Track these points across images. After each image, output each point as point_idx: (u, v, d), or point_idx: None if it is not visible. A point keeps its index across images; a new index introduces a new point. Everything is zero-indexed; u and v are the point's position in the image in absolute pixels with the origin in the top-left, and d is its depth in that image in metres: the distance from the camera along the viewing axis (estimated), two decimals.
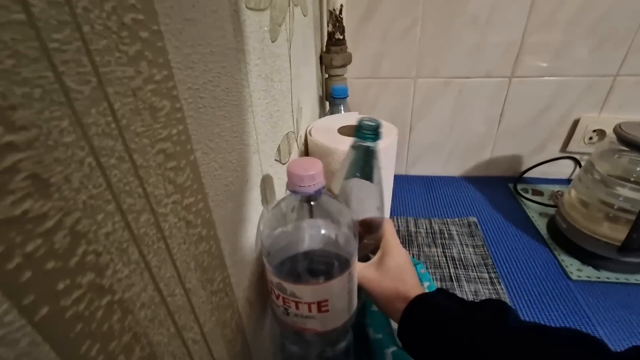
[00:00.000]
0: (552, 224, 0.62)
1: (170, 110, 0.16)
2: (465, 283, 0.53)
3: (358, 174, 0.33)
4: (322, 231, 0.29)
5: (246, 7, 0.25)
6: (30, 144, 0.10)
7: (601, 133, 0.67)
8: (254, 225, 0.29)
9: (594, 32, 0.59)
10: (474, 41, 0.64)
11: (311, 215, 0.28)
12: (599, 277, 0.53)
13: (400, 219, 0.67)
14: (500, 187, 0.74)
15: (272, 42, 0.32)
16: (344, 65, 0.59)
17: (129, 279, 0.14)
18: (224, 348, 0.24)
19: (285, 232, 0.28)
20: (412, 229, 0.65)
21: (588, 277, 0.53)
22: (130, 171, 0.14)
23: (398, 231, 0.64)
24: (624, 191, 0.50)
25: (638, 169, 0.49)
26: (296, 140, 0.44)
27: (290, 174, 0.26)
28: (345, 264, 0.29)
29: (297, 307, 0.29)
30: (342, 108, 0.58)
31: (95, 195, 0.12)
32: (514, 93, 0.68)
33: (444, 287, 0.53)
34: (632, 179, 0.49)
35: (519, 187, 0.73)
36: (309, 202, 0.28)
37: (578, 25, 0.59)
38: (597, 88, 0.64)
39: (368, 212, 0.36)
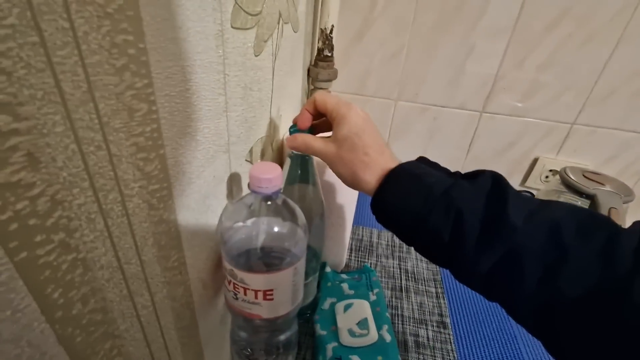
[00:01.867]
0: None
1: (146, 112, 0.20)
2: (413, 294, 0.58)
3: (299, 181, 0.38)
4: (275, 228, 0.33)
5: (232, 26, 0.29)
6: (29, 130, 0.13)
7: (556, 173, 0.74)
8: (216, 216, 0.33)
9: (559, 81, 0.66)
10: (452, 74, 0.69)
11: (267, 214, 0.32)
12: None
13: (365, 229, 0.72)
14: None
15: (256, 56, 0.36)
16: (329, 80, 0.63)
17: (93, 243, 0.18)
18: (172, 319, 0.27)
19: (243, 226, 0.32)
20: (375, 240, 0.70)
21: None
22: (105, 158, 0.17)
23: (360, 240, 0.69)
24: None
25: None
26: (271, 144, 0.47)
27: (251, 176, 0.29)
28: (292, 260, 0.33)
29: (245, 293, 0.32)
30: None
31: (74, 173, 0.16)
32: (483, 127, 0.73)
33: (394, 297, 0.57)
34: None
35: None
36: (267, 202, 0.31)
37: (546, 72, 0.65)
38: (556, 132, 0.71)
39: (314, 213, 0.41)
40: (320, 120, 0.37)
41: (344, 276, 0.57)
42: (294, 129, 0.36)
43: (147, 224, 0.22)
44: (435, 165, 0.31)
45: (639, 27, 0.58)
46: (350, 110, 0.31)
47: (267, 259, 0.32)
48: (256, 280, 0.32)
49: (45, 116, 0.14)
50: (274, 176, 0.29)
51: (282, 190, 0.32)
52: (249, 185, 0.30)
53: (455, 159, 0.78)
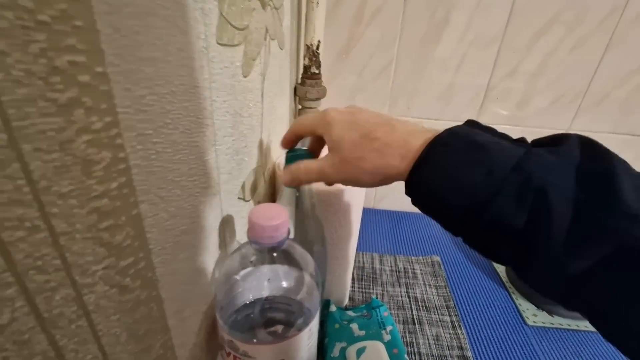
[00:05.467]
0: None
1: (110, 162, 0.14)
2: (427, 326, 0.52)
3: (296, 210, 0.33)
4: (283, 284, 0.27)
5: (218, 43, 0.24)
6: None
7: None
8: (209, 272, 0.26)
9: (552, 88, 0.64)
10: (444, 85, 0.66)
11: (272, 267, 0.26)
12: (552, 323, 0.54)
13: (366, 254, 0.66)
14: None
15: (244, 77, 0.30)
16: (318, 99, 0.58)
17: None
18: None
19: (242, 286, 0.25)
20: (377, 266, 0.64)
21: (543, 322, 0.54)
22: (45, 242, 0.11)
23: (362, 267, 0.63)
24: None
25: None
26: (263, 175, 0.42)
27: (251, 224, 0.24)
28: (306, 320, 0.27)
29: None
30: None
31: None
32: None
33: (407, 330, 0.52)
34: None
35: None
36: (272, 253, 0.25)
37: (538, 79, 0.64)
38: None
39: (314, 245, 0.35)
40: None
41: (351, 314, 0.51)
42: (292, 154, 0.31)
43: (119, 315, 0.16)
44: (493, 130, 0.23)
45: (627, 30, 0.58)
46: (327, 112, 0.26)
47: (275, 324, 0.26)
48: (264, 352, 0.25)
49: None
50: (281, 222, 0.24)
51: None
52: (248, 234, 0.24)
53: None
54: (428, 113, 0.69)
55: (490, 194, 0.20)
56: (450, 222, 0.23)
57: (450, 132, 0.22)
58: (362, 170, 0.24)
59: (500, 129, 0.73)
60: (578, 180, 0.19)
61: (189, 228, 0.22)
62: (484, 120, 0.69)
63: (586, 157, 0.19)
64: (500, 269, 0.64)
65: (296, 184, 0.28)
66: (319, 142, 0.31)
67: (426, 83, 0.67)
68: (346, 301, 0.55)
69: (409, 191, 0.24)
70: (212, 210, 0.26)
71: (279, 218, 0.24)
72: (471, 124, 0.24)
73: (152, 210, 0.17)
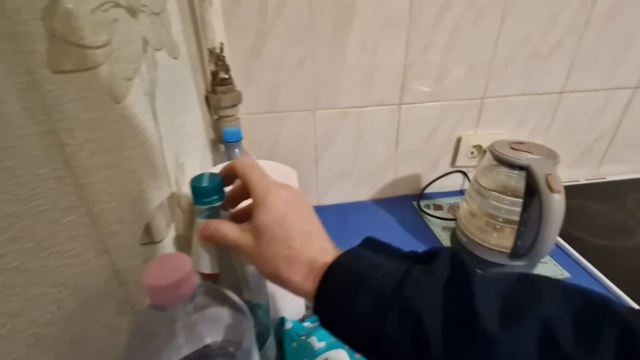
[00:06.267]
0: (454, 238, 0.66)
1: None
2: None
3: None
4: (208, 340, 0.23)
5: (55, 72, 0.19)
6: None
7: (479, 148, 0.76)
8: (110, 349, 0.22)
9: (463, 60, 0.67)
10: (364, 70, 0.66)
11: (188, 324, 0.22)
12: None
13: None
14: (406, 206, 0.78)
15: (118, 102, 0.25)
16: (234, 106, 0.54)
17: None
18: None
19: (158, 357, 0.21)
20: None
21: None
22: None
23: None
24: (504, 204, 0.55)
25: (512, 183, 0.55)
26: (179, 204, 0.37)
27: (146, 287, 0.19)
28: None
29: None
30: (237, 151, 0.52)
31: None
32: (405, 118, 0.72)
33: None
34: (509, 193, 0.55)
35: (422, 203, 0.77)
36: (182, 310, 0.21)
37: (450, 54, 0.66)
38: (471, 109, 0.72)
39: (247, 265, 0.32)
40: (238, 186, 0.30)
41: (308, 325, 0.49)
42: (196, 185, 0.27)
43: None
44: (385, 248, 0.25)
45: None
46: (269, 192, 0.25)
47: None
48: None
49: None
50: (180, 277, 0.20)
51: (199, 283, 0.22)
52: (148, 299, 0.20)
53: (388, 155, 0.76)
54: (353, 101, 0.68)
55: (381, 319, 0.20)
56: (358, 348, 0.22)
57: (338, 263, 0.23)
58: (269, 269, 0.24)
59: (425, 106, 0.74)
60: (445, 303, 0.20)
61: (56, 316, 0.17)
62: (409, 100, 0.70)
63: (453, 276, 0.21)
64: (446, 240, 0.67)
65: (209, 240, 0.27)
66: (244, 191, 0.29)
67: (346, 71, 0.65)
68: (303, 312, 0.53)
69: (315, 313, 0.24)
70: (97, 276, 0.21)
71: (178, 272, 0.20)
72: (367, 242, 0.26)
73: None
